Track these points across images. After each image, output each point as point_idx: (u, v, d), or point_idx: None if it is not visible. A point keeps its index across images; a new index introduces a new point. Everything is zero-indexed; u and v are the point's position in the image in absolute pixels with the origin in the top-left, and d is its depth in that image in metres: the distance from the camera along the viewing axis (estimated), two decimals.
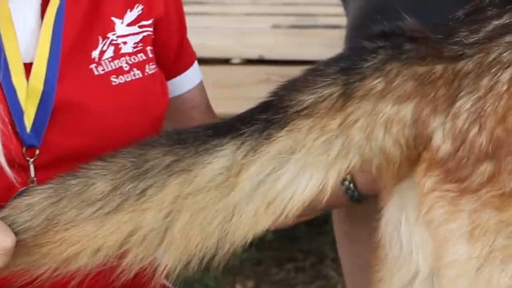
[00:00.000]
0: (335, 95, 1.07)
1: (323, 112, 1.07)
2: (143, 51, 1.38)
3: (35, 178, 1.29)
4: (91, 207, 1.09)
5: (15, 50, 1.27)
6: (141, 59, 1.37)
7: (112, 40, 1.36)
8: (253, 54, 2.57)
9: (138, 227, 1.08)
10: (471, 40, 1.08)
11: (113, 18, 1.36)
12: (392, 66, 1.08)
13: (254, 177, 1.05)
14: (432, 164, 1.05)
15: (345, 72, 1.09)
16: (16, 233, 1.10)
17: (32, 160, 1.29)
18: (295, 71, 1.29)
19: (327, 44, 1.94)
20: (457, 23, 1.11)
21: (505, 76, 1.04)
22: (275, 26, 2.31)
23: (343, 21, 1.94)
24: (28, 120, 1.27)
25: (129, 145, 1.21)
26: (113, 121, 1.34)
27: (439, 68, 1.07)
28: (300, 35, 2.20)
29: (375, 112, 1.07)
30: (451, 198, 1.03)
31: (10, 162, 1.26)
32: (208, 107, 1.60)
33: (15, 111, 1.26)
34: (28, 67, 1.28)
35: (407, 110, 1.07)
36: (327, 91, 1.07)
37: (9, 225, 1.12)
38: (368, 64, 1.09)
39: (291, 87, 1.11)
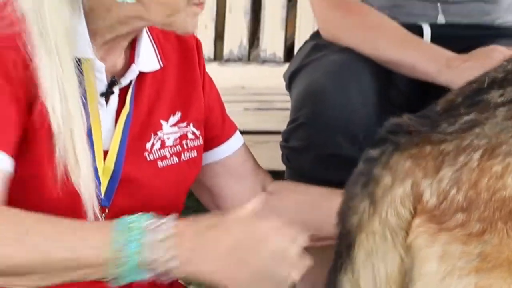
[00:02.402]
0: (367, 207, 1.31)
1: (366, 223, 1.32)
2: (180, 144, 1.63)
3: None
4: None
5: (99, 141, 1.51)
6: (178, 150, 1.63)
7: (160, 136, 1.61)
8: None
9: None
10: (450, 130, 1.32)
11: (161, 121, 1.62)
12: (394, 159, 1.33)
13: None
14: (422, 212, 1.32)
15: (365, 185, 1.34)
16: None
17: (103, 215, 1.53)
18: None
19: (282, 121, 2.20)
20: (439, 117, 1.36)
21: (475, 156, 1.29)
22: (246, 109, 2.54)
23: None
24: (103, 188, 1.52)
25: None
26: (158, 191, 1.59)
27: (428, 148, 1.32)
28: (264, 115, 2.46)
29: (393, 200, 1.31)
30: (432, 233, 1.29)
31: (82, 205, 1.49)
32: (255, 165, 1.80)
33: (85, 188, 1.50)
34: (105, 153, 1.53)
35: (408, 184, 1.32)
36: (361, 207, 1.32)
37: None
38: (377, 169, 1.33)
39: (344, 214, 1.37)
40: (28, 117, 1.48)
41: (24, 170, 1.49)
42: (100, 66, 1.54)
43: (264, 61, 2.88)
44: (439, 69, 2.06)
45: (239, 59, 2.93)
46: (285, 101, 2.46)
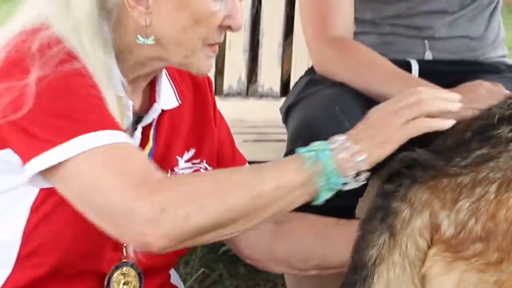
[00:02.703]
0: (387, 239, 1.37)
1: (387, 255, 1.36)
2: None
3: (124, 259, 1.62)
4: None
5: None
6: None
7: (176, 172, 1.68)
8: None
9: None
10: (464, 163, 1.38)
11: (177, 157, 1.69)
12: (412, 192, 1.39)
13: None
14: (438, 241, 1.38)
15: (383, 219, 1.38)
16: None
17: (124, 245, 1.59)
18: None
19: (279, 152, 2.23)
20: (451, 152, 1.42)
21: (492, 188, 1.34)
22: (245, 140, 2.54)
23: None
24: None
25: None
26: None
27: (445, 181, 1.38)
28: (261, 147, 2.49)
29: (412, 232, 1.37)
30: (448, 261, 1.36)
31: (114, 245, 1.56)
32: None
33: None
34: None
35: (426, 215, 1.38)
36: (381, 240, 1.37)
37: None
38: (395, 202, 1.39)
39: (360, 247, 1.42)
40: None
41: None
42: (129, 104, 1.61)
43: (262, 96, 2.91)
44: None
45: (238, 94, 2.95)
46: (282, 133, 2.47)
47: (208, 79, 1.83)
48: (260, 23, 3.11)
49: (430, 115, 1.54)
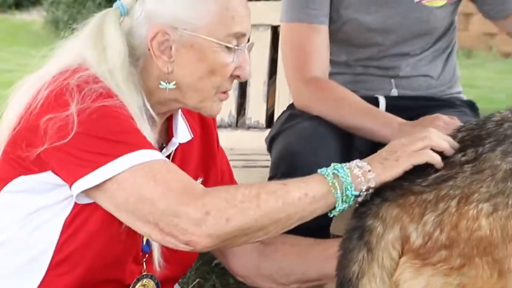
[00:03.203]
0: (365, 255, 1.44)
1: (366, 268, 1.44)
2: None
3: (145, 271, 1.69)
4: None
5: None
6: None
7: None
8: None
9: None
10: (425, 183, 1.46)
11: None
12: (383, 210, 1.46)
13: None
14: (408, 251, 1.45)
15: (360, 236, 1.46)
16: None
17: (144, 260, 1.68)
18: None
19: (264, 177, 2.30)
20: (411, 175, 1.50)
21: (453, 203, 1.43)
22: (234, 166, 2.50)
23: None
24: (145, 239, 1.66)
25: None
26: None
27: (412, 198, 1.45)
28: (249, 172, 2.55)
29: (386, 245, 1.44)
30: (417, 267, 1.44)
31: (135, 258, 1.66)
32: None
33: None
34: None
35: (397, 229, 1.45)
36: (360, 256, 1.44)
37: None
38: (369, 221, 1.47)
39: (343, 265, 1.49)
40: None
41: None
42: (152, 138, 1.64)
43: (249, 127, 2.98)
44: (392, 133, 2.13)
45: (229, 125, 3.01)
46: (267, 160, 2.53)
47: (213, 117, 1.87)
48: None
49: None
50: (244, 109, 3.15)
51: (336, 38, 2.35)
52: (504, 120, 1.61)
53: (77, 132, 1.47)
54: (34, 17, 12.08)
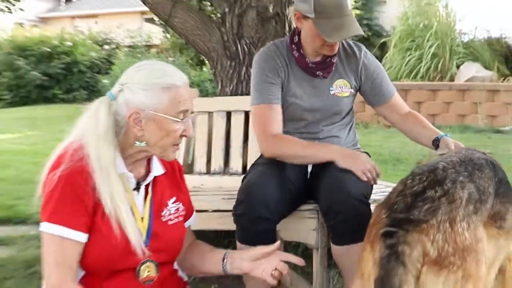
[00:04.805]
0: (402, 271, 1.60)
1: (404, 280, 1.58)
2: (177, 212, 1.95)
3: (147, 258, 1.81)
4: None
5: (137, 212, 1.82)
6: (176, 216, 1.96)
7: (168, 209, 1.94)
8: None
9: None
10: (424, 214, 1.67)
11: (167, 201, 1.93)
12: (407, 238, 1.60)
13: None
14: (427, 262, 1.59)
15: (396, 259, 1.62)
16: None
17: (146, 250, 1.79)
18: None
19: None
20: (408, 211, 1.64)
21: (447, 225, 1.62)
22: (223, 198, 2.72)
23: None
24: (142, 238, 1.78)
25: None
26: (170, 237, 1.88)
27: (424, 225, 1.62)
28: (231, 201, 2.51)
29: (414, 260, 1.61)
30: (436, 270, 1.60)
31: (129, 248, 1.77)
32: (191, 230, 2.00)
33: (130, 237, 1.72)
34: (142, 218, 1.82)
35: (419, 248, 1.61)
36: (399, 272, 1.61)
37: None
38: (400, 247, 1.60)
39: (388, 280, 1.56)
40: (93, 210, 1.70)
41: (95, 234, 1.71)
42: (130, 176, 1.78)
43: (232, 174, 3.41)
44: (333, 154, 2.44)
45: (219, 173, 3.43)
46: None
47: (178, 164, 2.00)
48: (230, 135, 3.43)
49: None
50: (228, 162, 3.43)
51: (284, 115, 2.57)
52: (446, 168, 1.77)
53: (53, 188, 1.65)
54: None
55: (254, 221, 2.26)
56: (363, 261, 1.64)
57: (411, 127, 2.61)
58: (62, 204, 1.63)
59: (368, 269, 1.60)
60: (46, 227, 1.63)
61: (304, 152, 2.45)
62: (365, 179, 2.30)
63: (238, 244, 2.31)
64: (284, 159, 2.43)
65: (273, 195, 2.27)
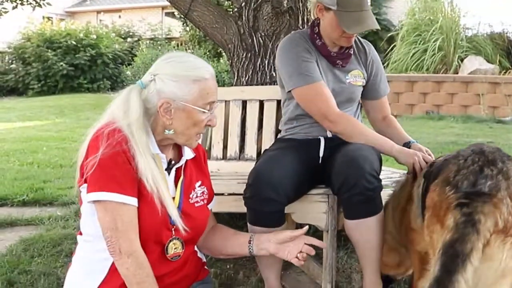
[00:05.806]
0: (475, 237, 1.64)
1: (476, 245, 1.63)
2: (202, 195, 1.96)
3: (174, 235, 1.82)
4: None
5: (169, 192, 1.80)
6: (202, 198, 1.96)
7: (196, 192, 1.94)
8: None
9: None
10: (491, 188, 1.75)
11: (195, 184, 1.93)
12: (484, 208, 1.68)
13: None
14: (495, 231, 1.67)
15: (473, 225, 1.66)
16: None
17: (173, 228, 1.83)
18: None
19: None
20: (480, 186, 1.71)
21: (508, 200, 1.71)
22: (238, 182, 2.66)
23: None
24: (173, 216, 1.77)
25: None
26: (197, 216, 1.91)
27: (495, 199, 1.71)
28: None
29: (486, 229, 1.66)
30: (502, 238, 1.69)
31: (167, 227, 1.80)
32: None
33: (171, 213, 1.74)
34: (173, 198, 1.80)
35: (492, 218, 1.66)
36: (472, 238, 1.63)
37: None
38: (477, 216, 1.65)
39: (460, 243, 1.60)
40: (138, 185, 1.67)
41: (141, 205, 1.71)
42: (163, 156, 1.80)
43: (247, 159, 3.36)
44: (392, 151, 2.45)
45: (235, 159, 3.40)
46: None
47: (200, 145, 1.96)
48: (246, 122, 3.42)
49: None
50: (244, 148, 3.42)
51: None
52: (491, 151, 1.88)
53: (93, 170, 1.64)
54: None
55: (262, 203, 2.25)
56: (434, 242, 1.70)
57: (387, 129, 2.65)
58: (112, 175, 1.66)
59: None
60: (104, 196, 1.65)
61: (373, 143, 2.48)
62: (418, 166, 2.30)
63: (249, 226, 2.30)
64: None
65: (281, 178, 2.25)
